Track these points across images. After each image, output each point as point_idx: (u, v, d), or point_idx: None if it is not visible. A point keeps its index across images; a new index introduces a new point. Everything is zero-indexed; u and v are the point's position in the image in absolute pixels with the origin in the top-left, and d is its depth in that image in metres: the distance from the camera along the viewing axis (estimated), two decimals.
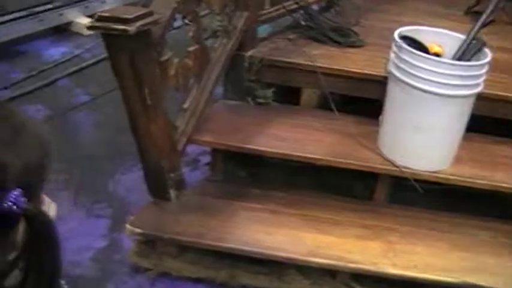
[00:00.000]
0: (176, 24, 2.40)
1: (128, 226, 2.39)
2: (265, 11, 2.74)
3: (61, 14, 4.47)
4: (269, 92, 2.77)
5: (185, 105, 2.47)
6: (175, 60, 2.26)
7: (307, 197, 2.58)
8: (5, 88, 3.88)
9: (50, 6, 4.42)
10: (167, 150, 2.34)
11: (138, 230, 2.38)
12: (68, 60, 4.16)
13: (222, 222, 2.39)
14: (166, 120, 2.28)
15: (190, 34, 2.32)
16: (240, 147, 2.50)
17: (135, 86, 2.08)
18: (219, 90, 2.83)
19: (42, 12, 4.38)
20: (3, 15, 4.40)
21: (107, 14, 1.88)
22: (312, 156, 2.45)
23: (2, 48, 4.27)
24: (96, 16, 1.89)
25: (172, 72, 2.25)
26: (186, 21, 2.24)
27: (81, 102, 3.73)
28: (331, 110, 2.60)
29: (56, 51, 4.26)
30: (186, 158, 2.88)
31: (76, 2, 4.54)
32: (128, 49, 1.96)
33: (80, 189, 3.00)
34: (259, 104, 2.78)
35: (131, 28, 1.84)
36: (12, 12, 4.41)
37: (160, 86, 2.17)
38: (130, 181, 3.02)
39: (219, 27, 2.43)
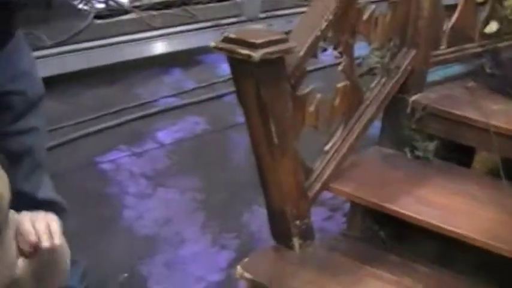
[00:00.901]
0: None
1: (238, 268, 2.16)
2: (439, 52, 2.36)
3: None
4: (431, 146, 2.38)
5: (326, 148, 2.19)
6: (317, 96, 1.99)
7: (454, 279, 2.14)
8: (174, 96, 3.88)
9: (235, 19, 4.37)
10: (294, 196, 2.07)
11: (248, 275, 2.12)
12: None
13: None
14: (296, 162, 2.01)
15: (340, 68, 2.03)
16: (379, 205, 2.15)
17: (261, 120, 1.85)
18: (375, 133, 2.50)
19: (227, 24, 4.34)
20: (192, 23, 4.44)
21: (233, 36, 1.67)
22: (462, 232, 2.03)
23: (183, 55, 4.30)
24: (223, 36, 1.70)
25: (311, 109, 1.98)
26: (336, 53, 1.95)
27: (241, 122, 3.57)
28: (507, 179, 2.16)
29: None
30: (323, 204, 2.59)
31: (261, 19, 4.45)
32: (253, 77, 1.73)
33: (213, 213, 2.84)
34: (418, 157, 2.40)
35: (256, 54, 1.61)
36: (201, 21, 4.43)
37: (292, 123, 1.91)
38: (266, 216, 2.80)
39: (377, 63, 2.11)
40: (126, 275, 2.46)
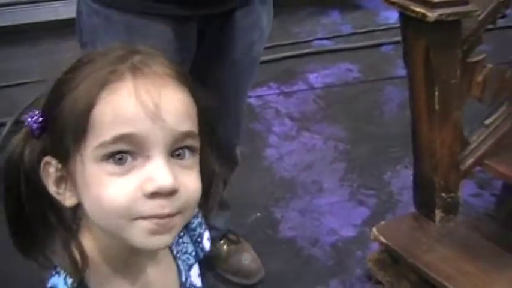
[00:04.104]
0: None
1: (374, 230, 2.11)
2: None
3: None
4: None
5: (487, 121, 2.03)
6: (488, 66, 1.83)
7: None
8: (329, 39, 3.78)
9: None
10: (445, 167, 1.96)
11: (382, 239, 2.07)
12: None
13: (478, 272, 1.93)
14: (455, 132, 1.88)
15: None
16: None
17: (425, 84, 1.74)
18: None
19: None
20: None
21: None
22: None
23: None
24: None
25: (478, 78, 1.83)
26: None
27: (398, 75, 3.42)
28: None
29: (395, 15, 4.00)
30: (473, 179, 2.43)
31: None
32: (424, 38, 1.61)
33: (354, 166, 2.76)
34: None
35: (431, 14, 1.50)
36: None
37: (457, 91, 1.78)
38: (410, 178, 2.69)
39: None
40: (259, 214, 2.47)
